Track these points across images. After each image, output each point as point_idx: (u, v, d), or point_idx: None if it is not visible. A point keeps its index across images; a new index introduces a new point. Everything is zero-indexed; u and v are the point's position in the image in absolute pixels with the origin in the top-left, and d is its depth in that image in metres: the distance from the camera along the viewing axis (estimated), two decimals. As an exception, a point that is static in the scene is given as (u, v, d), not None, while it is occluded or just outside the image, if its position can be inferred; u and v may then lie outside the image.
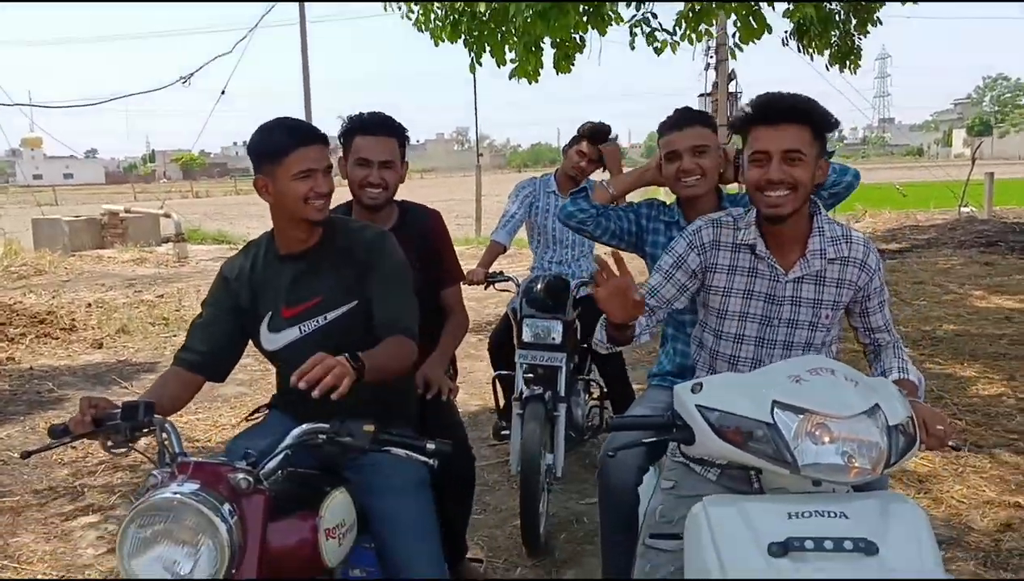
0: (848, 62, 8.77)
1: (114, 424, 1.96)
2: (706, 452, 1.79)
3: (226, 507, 1.75)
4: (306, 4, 20.81)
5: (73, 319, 9.06)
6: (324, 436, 1.90)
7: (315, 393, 1.82)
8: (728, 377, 1.95)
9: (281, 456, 1.90)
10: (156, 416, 1.98)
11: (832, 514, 1.58)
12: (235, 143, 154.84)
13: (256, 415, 2.60)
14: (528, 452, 3.52)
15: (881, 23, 8.58)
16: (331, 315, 2.28)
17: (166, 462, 1.89)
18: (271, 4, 16.48)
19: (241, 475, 1.80)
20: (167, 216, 17.57)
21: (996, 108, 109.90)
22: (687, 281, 2.28)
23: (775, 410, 1.66)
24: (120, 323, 8.85)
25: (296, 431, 1.94)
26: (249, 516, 1.80)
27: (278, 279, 2.32)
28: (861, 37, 8.73)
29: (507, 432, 4.33)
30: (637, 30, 7.49)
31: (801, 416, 1.65)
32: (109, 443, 2.00)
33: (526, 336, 3.92)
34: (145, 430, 1.98)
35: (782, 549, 1.52)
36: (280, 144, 2.21)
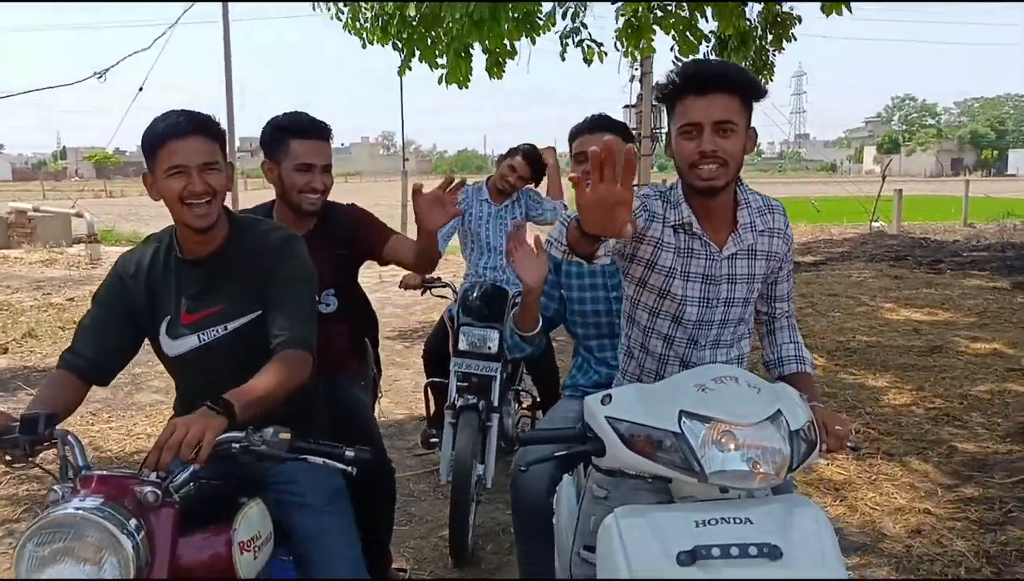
0: (762, 77, 9.06)
1: (12, 438, 1.84)
2: (617, 463, 1.80)
3: (132, 522, 1.66)
4: (229, 3, 20.36)
5: (-25, 322, 8.63)
6: (238, 445, 1.82)
7: (181, 457, 1.72)
8: (637, 388, 1.94)
9: (193, 467, 1.81)
10: (58, 428, 1.88)
11: (738, 520, 1.62)
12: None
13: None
14: (461, 462, 3.50)
15: (795, 39, 8.89)
16: (232, 325, 2.15)
17: (69, 476, 1.79)
18: (191, 3, 16.07)
19: (148, 488, 1.71)
20: (79, 215, 16.89)
21: (904, 127, 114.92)
22: (621, 248, 2.08)
23: (682, 419, 1.69)
24: (27, 327, 8.48)
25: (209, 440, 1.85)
26: (158, 531, 1.72)
27: (178, 282, 2.18)
28: (775, 53, 9.04)
29: (436, 440, 4.30)
30: (568, 41, 7.57)
31: (707, 424, 1.68)
32: (8, 457, 1.87)
33: (462, 344, 3.90)
34: (47, 443, 1.87)
35: (690, 557, 1.56)
36: (154, 134, 2.05)
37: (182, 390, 2.34)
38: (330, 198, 2.91)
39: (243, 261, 2.17)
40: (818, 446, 1.81)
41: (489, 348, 3.87)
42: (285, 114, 2.80)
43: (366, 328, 3.21)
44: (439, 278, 4.41)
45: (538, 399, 4.56)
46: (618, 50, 7.80)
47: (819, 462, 4.58)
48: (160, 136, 2.04)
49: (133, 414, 5.80)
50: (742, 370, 1.88)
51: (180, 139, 2.02)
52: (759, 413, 1.70)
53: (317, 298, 2.36)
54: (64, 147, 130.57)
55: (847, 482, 4.42)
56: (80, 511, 1.63)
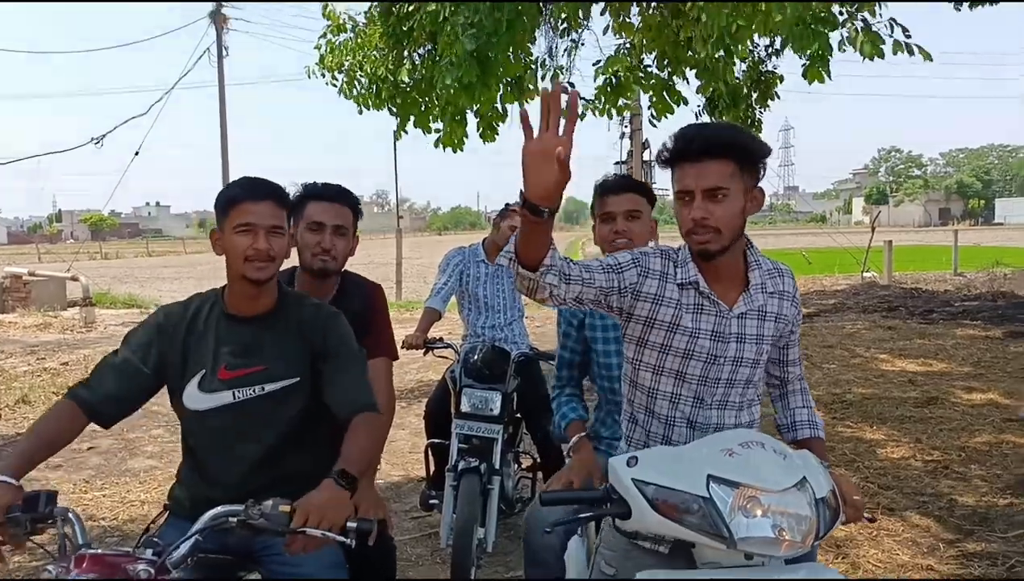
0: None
1: (14, 517, 1.83)
2: (642, 527, 1.77)
3: None
4: (224, 67, 20.72)
5: (-31, 389, 8.57)
6: (235, 520, 1.81)
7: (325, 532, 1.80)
8: (663, 450, 1.93)
9: (191, 542, 1.81)
10: (58, 507, 1.87)
11: None
12: (147, 203, 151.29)
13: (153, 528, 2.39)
14: (463, 526, 3.48)
15: (779, 97, 9.09)
16: (269, 387, 2.19)
17: (66, 554, 1.79)
18: (187, 68, 16.37)
19: (142, 566, 1.71)
20: (74, 279, 16.89)
21: (891, 178, 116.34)
22: (615, 287, 2.02)
23: (711, 484, 1.67)
24: (20, 393, 8.42)
25: (207, 515, 1.85)
26: None
27: (218, 337, 2.22)
28: (762, 110, 9.23)
29: (436, 502, 4.27)
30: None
31: (736, 490, 1.66)
32: (10, 534, 1.85)
33: (464, 406, 3.91)
34: (48, 520, 1.87)
35: None
36: (230, 195, 2.20)
37: (194, 447, 2.30)
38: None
39: (291, 327, 2.24)
40: (840, 515, 1.79)
41: (491, 410, 3.87)
42: (312, 182, 2.85)
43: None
44: (440, 339, 4.42)
45: (538, 460, 4.54)
46: (596, 109, 7.94)
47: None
48: (236, 197, 2.18)
49: (127, 480, 5.74)
50: (767, 436, 1.86)
51: (254, 201, 2.17)
52: (786, 480, 1.68)
53: None
54: (60, 210, 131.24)
55: (848, 539, 4.38)
56: None
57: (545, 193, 1.69)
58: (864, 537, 4.40)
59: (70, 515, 1.86)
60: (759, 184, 2.01)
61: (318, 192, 2.79)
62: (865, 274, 19.88)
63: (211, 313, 2.27)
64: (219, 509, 1.85)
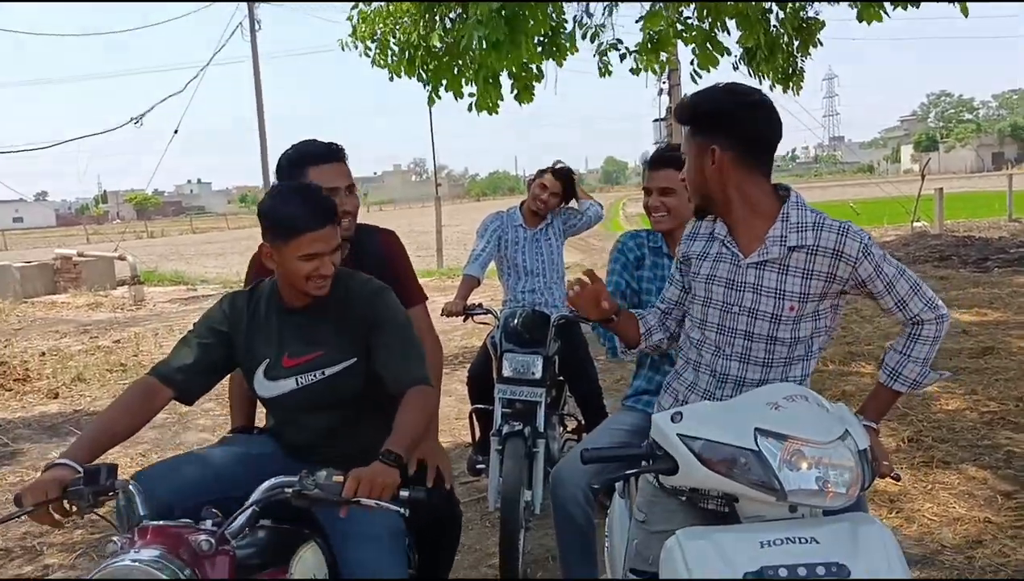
0: (791, 84, 8.99)
1: (77, 490, 1.88)
2: (689, 482, 1.80)
3: (186, 572, 1.70)
4: (258, 41, 20.80)
5: (26, 369, 8.82)
6: (291, 490, 1.85)
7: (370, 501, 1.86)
8: (706, 405, 1.96)
9: (248, 512, 1.85)
10: (119, 479, 1.91)
11: (804, 540, 1.62)
12: (189, 181, 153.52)
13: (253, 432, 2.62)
14: (509, 489, 3.50)
15: (822, 44, 8.81)
16: (329, 371, 2.29)
17: (128, 526, 1.83)
18: (222, 42, 16.47)
19: (203, 537, 1.76)
20: (122, 258, 17.25)
21: (941, 124, 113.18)
22: (683, 279, 2.31)
23: (758, 437, 1.70)
24: (76, 371, 8.63)
25: (264, 486, 1.89)
26: (213, 578, 1.75)
27: (279, 328, 2.33)
28: (803, 59, 8.97)
29: (483, 467, 4.30)
30: (602, 57, 7.60)
31: (783, 443, 1.69)
32: (73, 508, 1.92)
33: (506, 371, 3.91)
34: (110, 493, 1.91)
35: (757, 578, 1.56)
36: (292, 224, 2.16)
37: (271, 422, 2.50)
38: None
39: (342, 311, 2.31)
40: (875, 468, 1.83)
41: (533, 374, 3.87)
42: (293, 147, 2.72)
43: None
44: (480, 304, 4.42)
45: (582, 422, 4.53)
46: (639, 65, 7.80)
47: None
48: (297, 226, 2.16)
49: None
50: (810, 391, 1.89)
51: (319, 230, 2.17)
52: (831, 432, 1.72)
53: None
54: (105, 191, 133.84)
55: (902, 493, 4.31)
56: (136, 563, 1.68)
57: (601, 317, 2.32)
58: (919, 491, 4.32)
59: (130, 487, 1.89)
60: (719, 141, 2.07)
61: (319, 155, 2.65)
62: (915, 224, 19.41)
63: (270, 304, 2.36)
64: (274, 480, 1.90)
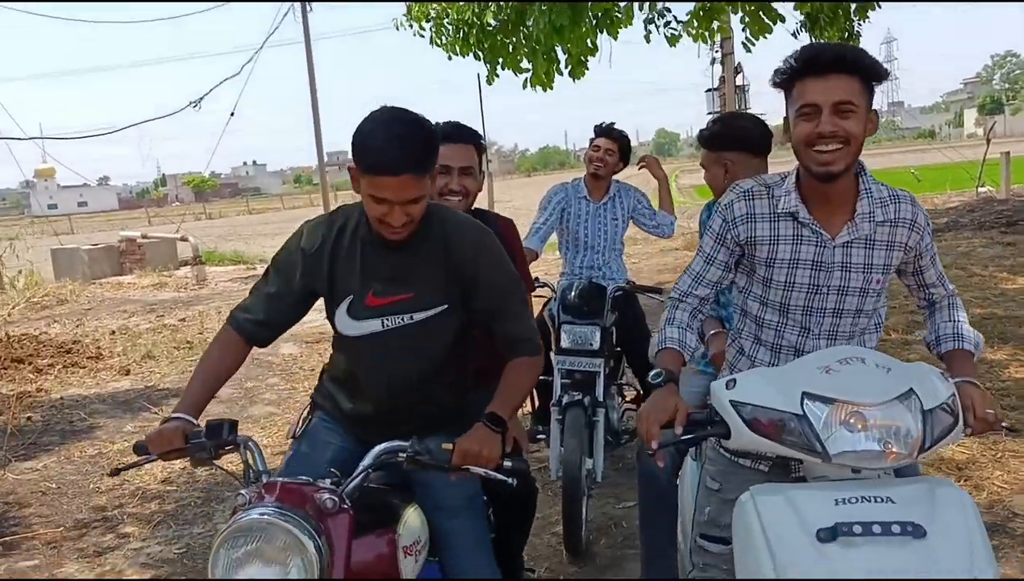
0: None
1: (200, 442, 1.99)
2: (742, 446, 1.82)
3: (314, 526, 1.79)
4: (310, 22, 20.95)
5: (98, 347, 9.13)
6: (404, 455, 1.93)
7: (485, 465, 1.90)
8: (761, 371, 1.97)
9: (362, 475, 1.94)
10: (240, 435, 2.02)
11: (879, 499, 1.61)
12: (245, 163, 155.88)
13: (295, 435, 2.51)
14: (570, 457, 3.55)
15: (880, 7, 8.56)
16: (418, 316, 2.13)
17: (251, 480, 1.95)
18: (275, 24, 16.69)
19: (327, 495, 1.84)
20: (184, 240, 17.70)
21: (1007, 86, 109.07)
22: (729, 259, 2.15)
23: (805, 401, 1.71)
24: (145, 349, 8.92)
25: (376, 450, 1.97)
26: (335, 535, 1.84)
27: (365, 262, 2.14)
28: (861, 23, 8.74)
29: (543, 436, 4.35)
30: (652, 26, 7.50)
31: (830, 406, 1.69)
32: (195, 459, 2.02)
33: (564, 342, 3.95)
34: (229, 447, 2.02)
35: (831, 534, 1.56)
36: (368, 159, 1.97)
37: (347, 365, 2.31)
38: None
39: (438, 252, 2.13)
40: (959, 425, 1.77)
41: (591, 345, 3.90)
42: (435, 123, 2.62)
43: None
44: (537, 278, 4.43)
45: (641, 392, 4.54)
46: (690, 35, 7.66)
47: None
48: (374, 164, 1.96)
49: (249, 427, 6.03)
50: (871, 351, 1.87)
51: (392, 176, 1.94)
52: (886, 392, 1.69)
53: None
54: (164, 174, 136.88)
55: (970, 461, 4.24)
56: (267, 516, 1.76)
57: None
58: (988, 459, 4.25)
59: (251, 443, 2.00)
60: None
61: (443, 134, 2.59)
62: (980, 189, 18.77)
63: (356, 233, 2.17)
64: (386, 444, 1.96)
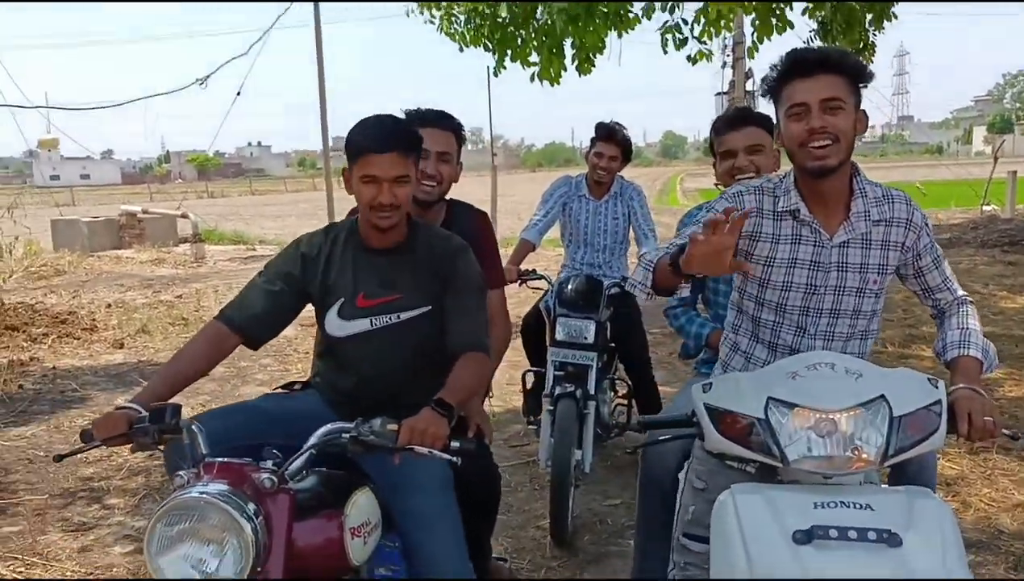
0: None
1: (143, 427, 1.97)
2: (714, 447, 1.85)
3: (251, 506, 1.77)
4: (321, 6, 20.87)
5: (94, 319, 9.11)
6: (347, 436, 1.92)
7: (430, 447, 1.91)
8: (737, 376, 2.00)
9: (306, 455, 1.92)
10: (183, 420, 1.99)
11: (858, 505, 1.62)
12: (249, 143, 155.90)
13: (294, 387, 2.62)
14: (559, 448, 3.57)
15: (896, 18, 8.52)
16: (404, 315, 2.31)
17: (193, 463, 1.91)
18: (287, 5, 16.58)
19: (266, 475, 1.83)
20: (184, 217, 17.67)
21: (1018, 105, 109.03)
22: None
23: (770, 406, 1.73)
24: (140, 323, 8.89)
25: (321, 431, 1.96)
26: (274, 515, 1.82)
27: (356, 268, 2.33)
28: (876, 33, 8.68)
29: (534, 427, 4.39)
30: (668, 36, 7.44)
31: (792, 411, 1.71)
32: (138, 444, 2.01)
33: (559, 334, 3.98)
34: (173, 432, 1.99)
35: (806, 537, 1.57)
36: (356, 145, 2.23)
37: (332, 360, 2.44)
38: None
39: (422, 259, 2.33)
40: (939, 432, 1.75)
41: (585, 338, 3.93)
42: (406, 113, 2.81)
43: None
44: (534, 270, 4.44)
45: (632, 387, 4.54)
46: (694, 36, 7.56)
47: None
48: (362, 147, 2.22)
49: (240, 406, 6.04)
50: (844, 356, 1.88)
51: (378, 153, 2.20)
52: (852, 398, 1.70)
53: None
54: (168, 151, 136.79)
55: (960, 477, 4.23)
56: (204, 495, 1.75)
57: (707, 272, 1.83)
58: (977, 475, 4.24)
59: (194, 427, 1.97)
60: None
61: (420, 118, 2.77)
62: (985, 207, 18.76)
63: (348, 243, 2.38)
64: (331, 426, 1.96)
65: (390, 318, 2.30)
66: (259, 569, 1.77)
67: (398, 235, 2.33)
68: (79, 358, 7.59)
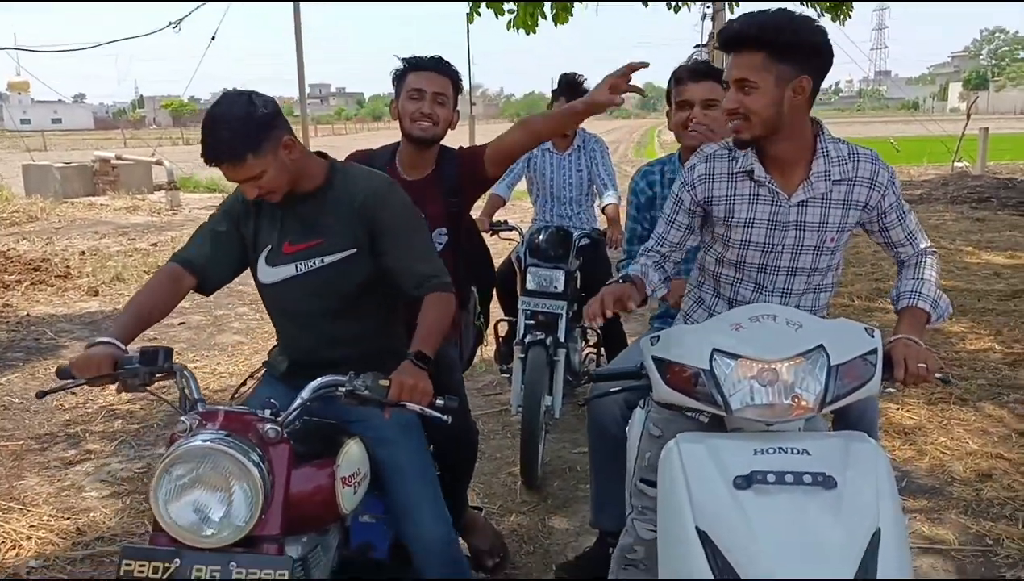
0: (839, 12, 8.73)
1: (133, 368, 1.99)
2: (662, 398, 1.91)
3: (255, 454, 1.82)
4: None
5: (67, 267, 9.05)
6: (343, 389, 1.95)
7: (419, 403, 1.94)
8: (683, 329, 2.05)
9: (299, 408, 1.97)
10: (175, 363, 2.03)
11: (795, 451, 1.68)
12: (225, 89, 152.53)
13: (249, 383, 2.61)
14: (531, 392, 3.67)
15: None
16: (328, 259, 2.27)
17: (187, 409, 1.96)
18: (262, -53, 16.22)
19: (269, 425, 1.88)
20: (159, 164, 17.41)
21: (993, 62, 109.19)
22: (690, 220, 2.25)
23: (714, 356, 1.78)
24: (115, 271, 8.86)
25: (314, 383, 1.99)
26: (276, 464, 1.88)
27: (282, 216, 2.31)
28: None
29: (506, 375, 4.48)
30: None
31: (735, 362, 1.75)
32: (127, 385, 2.02)
33: (530, 284, 4.06)
34: (163, 375, 2.03)
35: (746, 482, 1.63)
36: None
37: (272, 316, 2.47)
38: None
39: (343, 200, 2.28)
40: (876, 380, 1.80)
41: (555, 287, 4.02)
42: (404, 59, 2.87)
43: (478, 267, 3.18)
44: (506, 221, 4.51)
45: (601, 336, 4.66)
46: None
47: (890, 393, 4.57)
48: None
49: (216, 354, 6.08)
50: (786, 308, 1.92)
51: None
52: (792, 348, 1.75)
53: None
54: (141, 96, 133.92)
55: (917, 427, 4.38)
56: (210, 443, 1.79)
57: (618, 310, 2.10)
58: (934, 425, 4.39)
59: (186, 372, 2.01)
60: (810, 72, 1.99)
61: (418, 62, 2.83)
62: (956, 163, 18.95)
63: None
64: (326, 379, 1.99)
65: (314, 262, 2.27)
66: (263, 516, 1.81)
67: (318, 179, 2.29)
68: (53, 305, 7.57)
